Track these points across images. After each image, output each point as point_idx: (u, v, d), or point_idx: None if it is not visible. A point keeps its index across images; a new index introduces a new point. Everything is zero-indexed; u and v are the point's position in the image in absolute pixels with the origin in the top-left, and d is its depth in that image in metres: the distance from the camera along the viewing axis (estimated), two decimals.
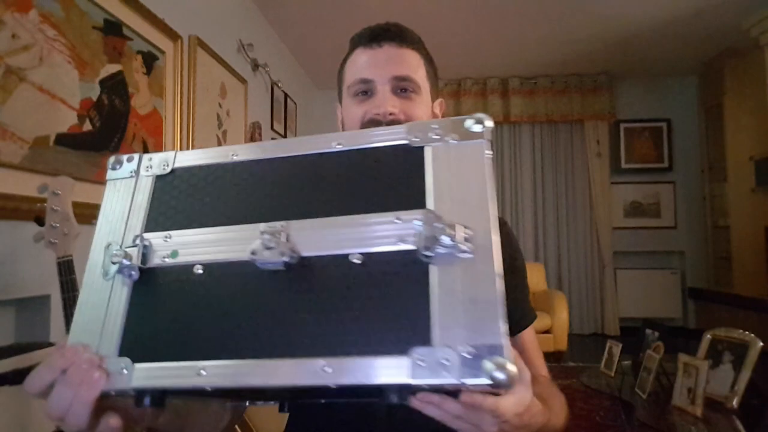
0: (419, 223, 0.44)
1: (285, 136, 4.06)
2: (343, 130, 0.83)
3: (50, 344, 1.34)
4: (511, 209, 5.06)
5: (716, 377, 2.31)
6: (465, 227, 0.43)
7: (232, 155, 0.53)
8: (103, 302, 0.49)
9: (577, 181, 5.03)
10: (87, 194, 1.41)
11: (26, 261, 1.46)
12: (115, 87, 1.94)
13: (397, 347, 0.40)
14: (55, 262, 1.10)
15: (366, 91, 0.78)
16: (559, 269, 5.01)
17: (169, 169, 0.54)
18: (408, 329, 0.41)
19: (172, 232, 0.51)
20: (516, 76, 4.98)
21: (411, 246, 0.43)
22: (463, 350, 0.39)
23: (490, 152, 0.47)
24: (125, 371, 0.44)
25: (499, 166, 5.12)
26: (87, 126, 1.77)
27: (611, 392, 2.81)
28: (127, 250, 0.49)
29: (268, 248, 0.45)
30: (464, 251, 0.42)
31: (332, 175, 0.50)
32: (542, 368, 0.81)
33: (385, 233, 0.45)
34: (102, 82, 1.85)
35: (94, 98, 1.81)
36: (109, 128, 1.89)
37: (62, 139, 1.64)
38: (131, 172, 0.55)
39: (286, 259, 0.45)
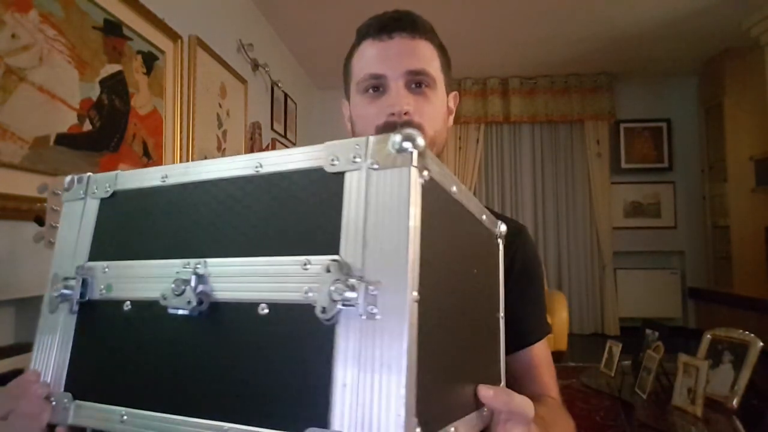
0: (324, 274, 0.37)
1: (285, 136, 4.06)
2: (352, 128, 0.78)
3: None
4: (511, 209, 5.06)
5: (716, 377, 2.31)
6: (375, 282, 0.36)
7: (163, 178, 0.49)
8: (54, 335, 0.50)
9: (577, 181, 5.02)
10: None
11: (26, 261, 1.46)
12: (115, 87, 1.94)
13: (294, 426, 0.36)
14: None
15: (377, 86, 0.72)
16: (559, 269, 5.01)
17: (111, 192, 0.52)
18: (307, 406, 0.37)
19: (111, 263, 0.49)
20: (516, 76, 4.98)
21: (313, 302, 0.37)
22: None
23: (422, 179, 0.38)
24: (66, 407, 0.47)
25: (499, 166, 5.12)
26: (87, 126, 1.77)
27: (611, 392, 2.80)
28: (69, 282, 0.50)
29: (178, 294, 0.43)
30: (371, 313, 0.35)
31: (252, 205, 0.44)
32: (552, 388, 0.75)
33: (293, 282, 0.39)
34: (102, 82, 1.85)
35: (94, 98, 1.81)
36: (109, 128, 1.89)
37: (62, 139, 1.64)
38: (81, 193, 0.54)
39: (193, 307, 0.42)
